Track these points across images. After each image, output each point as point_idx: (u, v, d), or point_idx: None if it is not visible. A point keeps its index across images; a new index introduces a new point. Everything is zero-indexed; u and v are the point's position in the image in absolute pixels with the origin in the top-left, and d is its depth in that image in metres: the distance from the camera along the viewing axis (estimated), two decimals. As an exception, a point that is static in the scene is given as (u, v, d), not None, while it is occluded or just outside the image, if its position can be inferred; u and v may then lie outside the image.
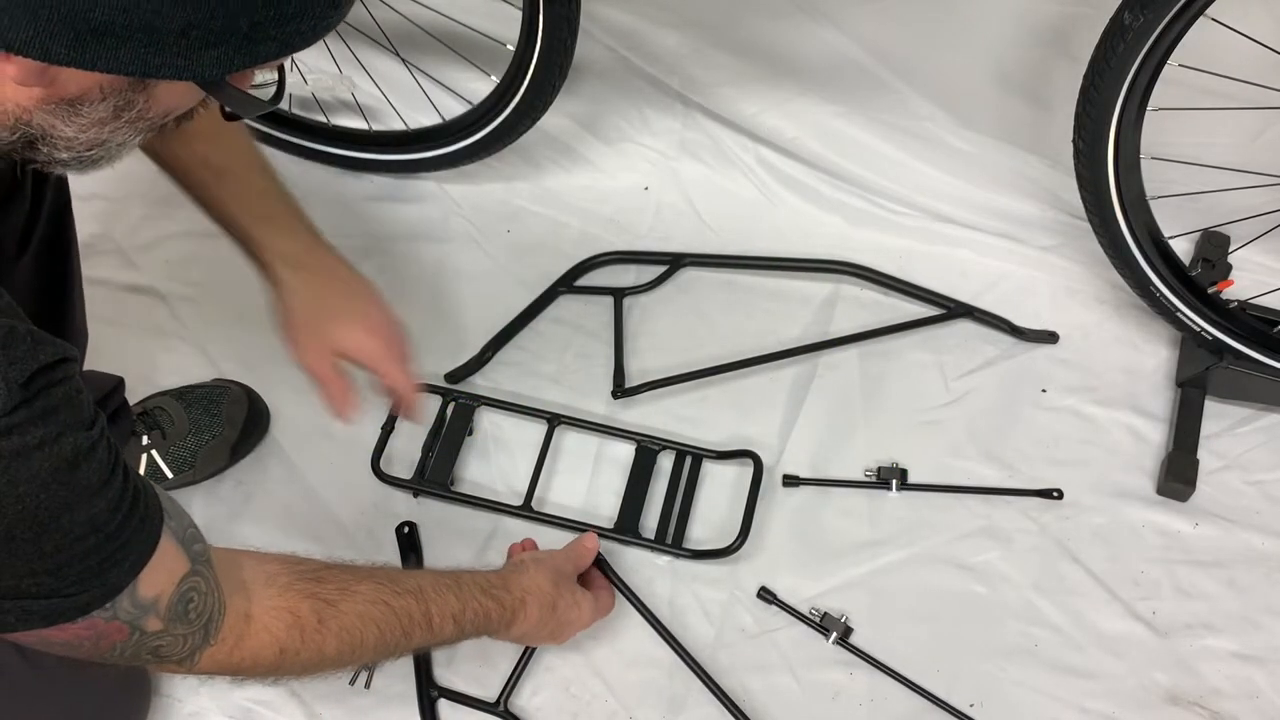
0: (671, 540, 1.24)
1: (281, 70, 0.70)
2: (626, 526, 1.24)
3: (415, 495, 1.28)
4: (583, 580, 1.14)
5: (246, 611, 0.79)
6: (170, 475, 1.24)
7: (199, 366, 1.36)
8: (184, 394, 1.29)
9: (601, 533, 1.22)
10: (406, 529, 1.25)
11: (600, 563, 1.17)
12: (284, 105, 1.61)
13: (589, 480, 1.30)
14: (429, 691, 1.14)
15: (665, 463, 1.30)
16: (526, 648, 1.15)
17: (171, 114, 0.67)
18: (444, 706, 1.14)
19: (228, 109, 0.68)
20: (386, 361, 1.08)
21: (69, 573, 0.66)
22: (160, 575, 0.72)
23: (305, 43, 0.62)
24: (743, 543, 1.21)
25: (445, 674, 1.16)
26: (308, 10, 0.60)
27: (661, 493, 1.27)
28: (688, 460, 1.29)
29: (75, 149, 0.65)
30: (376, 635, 0.86)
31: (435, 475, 1.27)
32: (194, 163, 1.01)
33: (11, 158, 0.66)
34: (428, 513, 1.27)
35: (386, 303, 1.10)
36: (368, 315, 1.08)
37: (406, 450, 1.31)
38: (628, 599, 1.17)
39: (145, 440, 1.22)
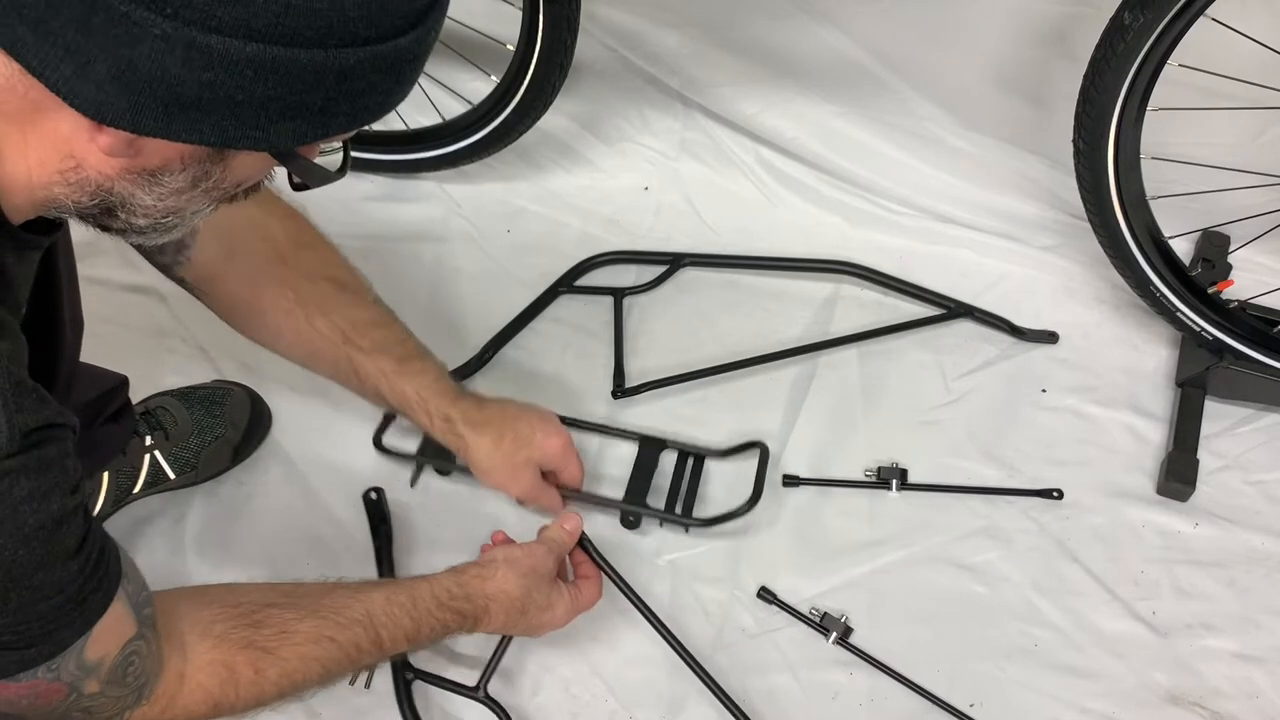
0: (681, 512, 1.23)
1: (346, 145, 0.74)
2: (635, 500, 1.23)
3: (415, 477, 1.27)
4: (571, 561, 1.12)
5: (181, 671, 0.79)
6: (173, 476, 1.24)
7: (199, 367, 1.36)
8: (186, 395, 1.28)
9: (609, 505, 1.22)
10: (374, 494, 1.23)
11: (585, 545, 1.11)
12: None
13: (591, 466, 1.29)
14: (404, 674, 1.11)
15: (668, 461, 1.29)
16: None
17: (244, 184, 0.70)
18: (422, 692, 1.11)
19: (297, 179, 0.71)
20: (567, 458, 1.18)
21: (25, 630, 0.67)
22: (109, 638, 0.73)
23: (373, 116, 0.65)
24: (754, 504, 1.21)
25: (422, 655, 1.13)
26: (375, 87, 0.62)
27: (666, 483, 1.27)
28: (690, 460, 1.29)
29: (153, 216, 0.67)
30: (320, 672, 0.87)
31: (439, 450, 1.23)
32: (336, 336, 1.08)
33: (86, 223, 0.69)
34: (431, 499, 1.27)
35: (535, 405, 1.20)
36: (544, 423, 1.17)
37: (410, 431, 1.29)
38: (613, 580, 1.12)
39: (149, 440, 1.22)
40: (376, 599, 0.91)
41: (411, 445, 1.29)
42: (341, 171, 0.73)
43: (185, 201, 0.67)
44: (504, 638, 1.11)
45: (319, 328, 1.07)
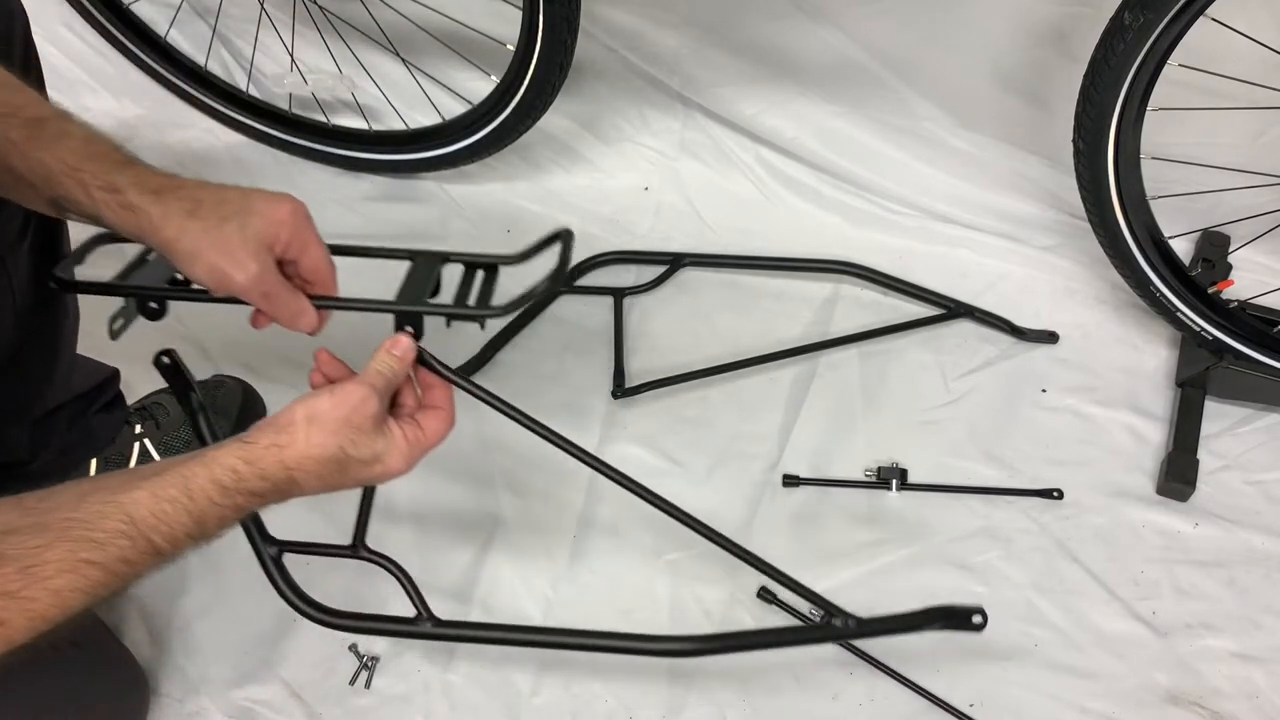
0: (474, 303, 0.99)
1: None
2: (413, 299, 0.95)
3: (117, 326, 0.94)
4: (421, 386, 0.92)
5: None
6: None
7: (199, 366, 1.36)
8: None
9: (379, 308, 0.92)
10: (167, 359, 0.99)
11: (426, 361, 0.91)
12: (284, 105, 1.62)
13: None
14: (267, 550, 0.98)
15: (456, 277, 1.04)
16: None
17: None
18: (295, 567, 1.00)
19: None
20: (304, 234, 0.88)
21: None
22: None
23: None
24: (556, 282, 1.00)
25: (280, 525, 0.99)
26: None
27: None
28: (480, 271, 1.03)
29: None
30: (85, 600, 0.73)
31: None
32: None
33: None
34: (432, 490, 1.27)
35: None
36: (263, 194, 0.88)
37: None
38: (468, 391, 0.93)
39: (139, 429, 1.23)
40: (141, 499, 0.74)
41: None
42: None
43: None
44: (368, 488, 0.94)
45: None
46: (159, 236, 0.83)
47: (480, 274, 1.01)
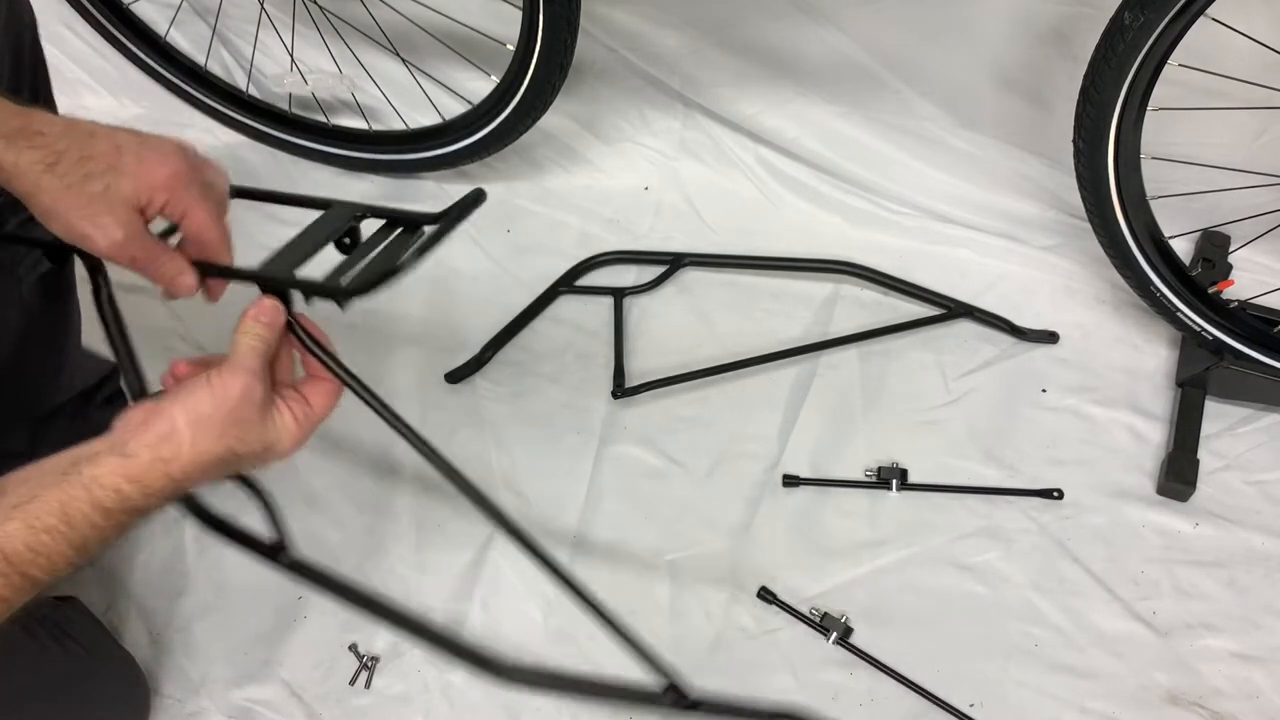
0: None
1: None
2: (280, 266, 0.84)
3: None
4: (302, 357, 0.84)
5: None
6: None
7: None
8: None
9: (243, 278, 0.82)
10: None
11: (293, 331, 0.81)
12: (284, 105, 1.62)
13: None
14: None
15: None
16: None
17: None
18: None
19: None
20: (183, 193, 0.80)
21: None
22: None
23: None
24: (441, 229, 0.84)
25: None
26: None
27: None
28: (399, 228, 0.88)
29: None
30: None
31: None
32: None
33: None
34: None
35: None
36: (144, 144, 0.79)
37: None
38: (328, 367, 0.82)
39: None
40: (14, 533, 0.67)
41: None
42: None
43: None
44: None
45: None
46: (13, 187, 0.75)
47: (399, 231, 0.87)
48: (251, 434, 0.76)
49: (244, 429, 0.75)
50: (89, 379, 1.15)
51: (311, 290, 0.81)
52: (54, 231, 0.77)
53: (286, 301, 0.81)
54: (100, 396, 1.17)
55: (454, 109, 1.50)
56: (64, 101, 1.70)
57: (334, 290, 0.80)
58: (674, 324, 1.45)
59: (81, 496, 0.69)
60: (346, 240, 0.85)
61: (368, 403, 0.81)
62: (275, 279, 0.81)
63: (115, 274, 1.37)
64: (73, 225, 0.76)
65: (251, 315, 0.78)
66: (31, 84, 1.03)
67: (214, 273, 0.83)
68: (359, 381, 0.81)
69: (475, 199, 0.88)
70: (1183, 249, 1.40)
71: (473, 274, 1.49)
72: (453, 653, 0.92)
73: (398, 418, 0.83)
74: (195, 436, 0.73)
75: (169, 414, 0.73)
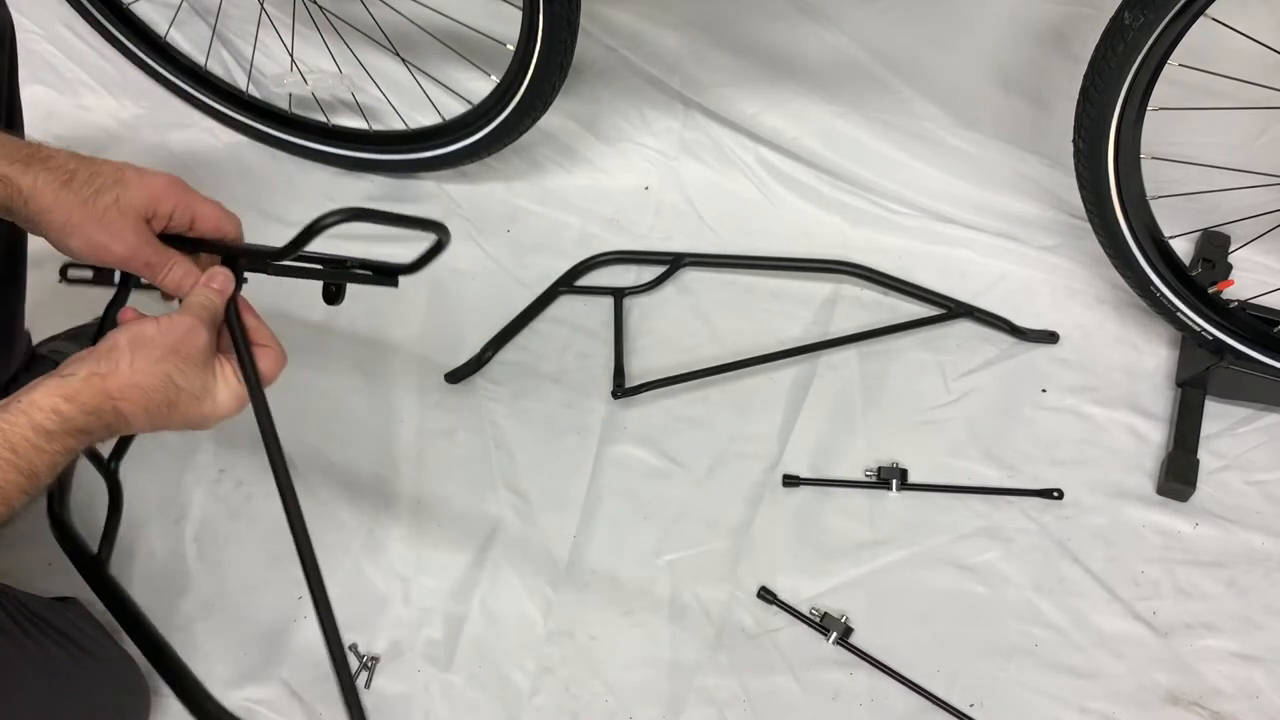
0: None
1: None
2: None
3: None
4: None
5: None
6: None
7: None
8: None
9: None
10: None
11: (230, 309, 0.85)
12: (284, 105, 1.62)
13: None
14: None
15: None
16: None
17: None
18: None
19: None
20: (185, 197, 0.86)
21: None
22: None
23: None
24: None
25: None
26: None
27: None
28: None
29: None
30: None
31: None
32: None
33: None
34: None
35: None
36: (135, 168, 0.86)
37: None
38: (235, 342, 0.84)
39: None
40: None
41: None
42: None
43: None
44: None
45: None
46: (30, 208, 0.80)
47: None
48: (188, 371, 0.78)
49: (184, 363, 0.78)
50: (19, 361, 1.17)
51: (279, 269, 0.87)
52: (71, 246, 0.82)
53: (239, 276, 0.86)
54: (18, 364, 1.18)
55: (454, 109, 1.50)
56: (64, 101, 1.71)
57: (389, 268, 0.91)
58: (674, 324, 1.45)
59: (21, 422, 0.71)
60: (334, 289, 0.93)
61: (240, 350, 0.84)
62: (240, 248, 0.88)
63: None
64: (91, 236, 0.82)
65: (204, 281, 0.84)
66: (9, 105, 1.03)
67: (203, 246, 0.87)
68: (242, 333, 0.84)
69: (438, 247, 0.93)
70: (1183, 249, 1.39)
71: (473, 274, 1.49)
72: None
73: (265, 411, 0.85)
74: (135, 356, 0.75)
75: (112, 335, 0.77)
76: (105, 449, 0.93)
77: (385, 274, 0.95)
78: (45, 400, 0.72)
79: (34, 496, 0.74)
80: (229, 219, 0.88)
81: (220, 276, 0.84)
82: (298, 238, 0.81)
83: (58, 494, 0.91)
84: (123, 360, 0.75)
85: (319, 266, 0.92)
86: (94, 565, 0.91)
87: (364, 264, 0.94)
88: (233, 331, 0.84)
